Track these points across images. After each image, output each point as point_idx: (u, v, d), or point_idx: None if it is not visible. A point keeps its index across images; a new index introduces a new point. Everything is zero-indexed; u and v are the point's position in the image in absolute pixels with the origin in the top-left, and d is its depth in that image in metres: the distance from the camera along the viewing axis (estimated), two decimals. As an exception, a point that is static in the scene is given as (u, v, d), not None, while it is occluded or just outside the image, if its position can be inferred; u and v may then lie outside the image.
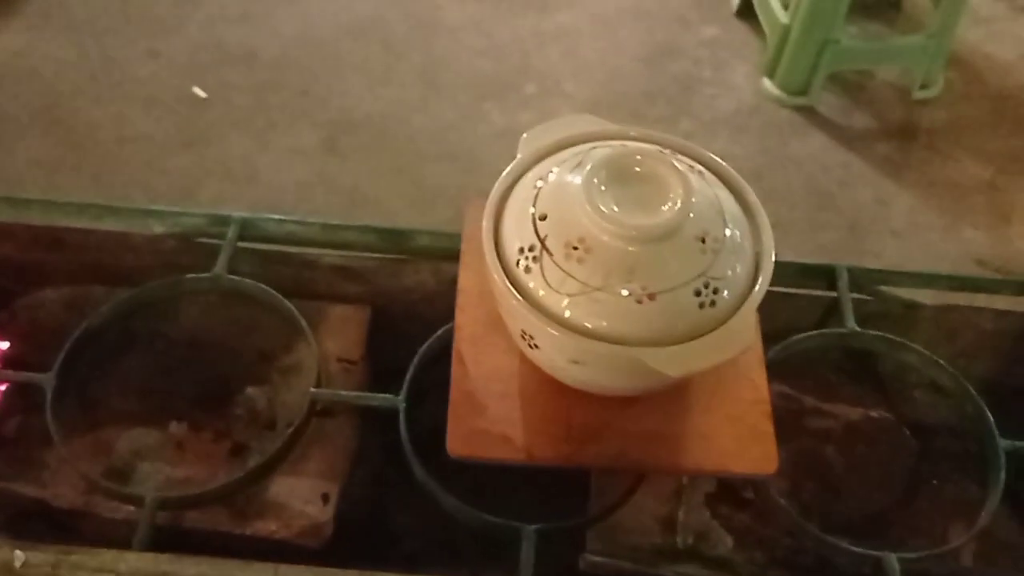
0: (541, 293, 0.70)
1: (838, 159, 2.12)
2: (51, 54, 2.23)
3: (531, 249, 0.70)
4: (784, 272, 0.97)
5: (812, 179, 2.07)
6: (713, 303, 0.69)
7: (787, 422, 0.96)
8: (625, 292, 0.68)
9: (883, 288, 1.00)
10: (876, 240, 1.96)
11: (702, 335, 0.69)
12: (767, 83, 2.25)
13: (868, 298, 1.00)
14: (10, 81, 2.16)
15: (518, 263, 0.71)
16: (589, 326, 0.69)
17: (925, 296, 1.02)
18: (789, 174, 2.08)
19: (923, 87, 2.23)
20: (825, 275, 0.99)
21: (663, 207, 0.69)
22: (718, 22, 2.43)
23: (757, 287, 0.72)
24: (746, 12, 2.39)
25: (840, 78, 2.27)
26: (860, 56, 2.27)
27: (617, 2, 2.47)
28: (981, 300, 1.03)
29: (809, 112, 2.22)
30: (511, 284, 0.71)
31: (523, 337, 0.74)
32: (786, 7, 2.17)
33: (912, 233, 1.98)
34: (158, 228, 1.00)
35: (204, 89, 2.19)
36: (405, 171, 2.05)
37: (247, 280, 0.96)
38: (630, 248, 0.68)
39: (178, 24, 2.33)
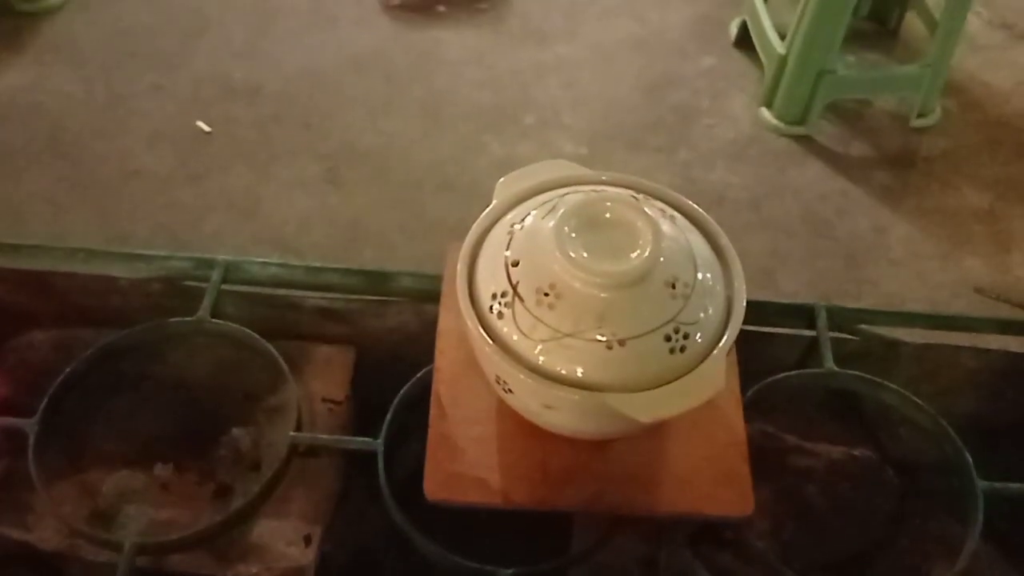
0: (514, 338, 0.71)
1: (836, 188, 2.12)
2: (57, 89, 2.27)
3: (504, 295, 0.71)
4: (763, 311, 0.98)
5: (810, 208, 2.07)
6: (683, 348, 0.70)
7: (769, 461, 0.96)
8: (595, 338, 0.69)
9: (864, 327, 1.00)
10: (874, 269, 1.96)
11: (673, 380, 0.70)
12: (765, 112, 2.26)
13: (851, 337, 1.00)
14: (17, 116, 2.20)
15: (491, 308, 0.72)
16: (561, 372, 0.70)
17: (908, 334, 1.02)
18: (787, 203, 2.08)
19: (921, 115, 2.24)
20: (804, 314, 0.99)
21: (632, 254, 0.70)
22: (716, 53, 2.44)
23: (727, 333, 0.72)
24: (744, 42, 2.40)
25: (838, 107, 2.27)
26: (857, 85, 2.28)
27: (616, 34, 2.49)
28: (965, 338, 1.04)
29: (807, 141, 2.22)
30: (485, 330, 0.72)
31: (498, 382, 0.75)
32: (783, 37, 2.19)
33: (910, 262, 1.98)
34: (143, 272, 1.02)
35: (208, 123, 2.21)
36: (405, 203, 2.06)
37: (230, 323, 0.97)
38: (600, 294, 0.69)
39: (183, 59, 2.36)
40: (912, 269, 1.97)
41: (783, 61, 2.17)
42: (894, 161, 2.20)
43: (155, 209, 2.02)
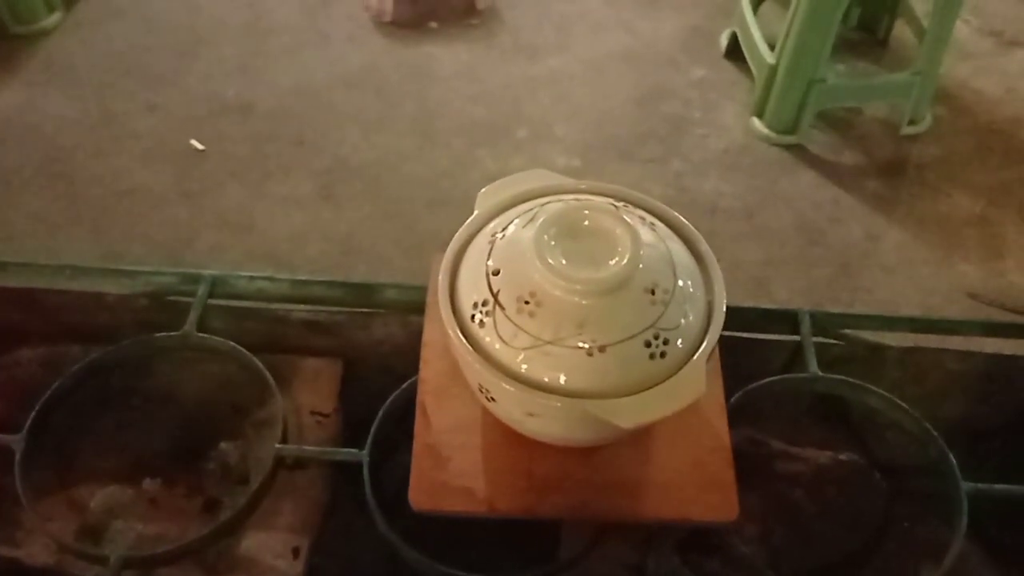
0: (496, 347, 0.71)
1: (828, 196, 2.13)
2: (52, 110, 2.28)
3: (485, 304, 0.72)
4: (747, 317, 0.99)
5: (802, 216, 2.08)
6: (664, 354, 0.70)
7: (755, 466, 0.97)
8: (576, 345, 0.69)
9: (848, 331, 1.00)
10: (868, 276, 1.97)
11: (653, 386, 0.70)
12: (756, 122, 2.27)
13: (835, 341, 1.01)
14: (11, 137, 2.21)
15: (473, 317, 0.72)
16: (543, 379, 0.70)
17: (894, 338, 1.02)
18: (779, 212, 2.09)
19: (911, 123, 2.25)
20: (788, 319, 1.00)
21: (611, 261, 0.70)
22: (707, 63, 2.46)
23: (707, 338, 0.72)
24: (734, 53, 2.42)
25: (828, 115, 2.28)
26: (847, 94, 2.29)
27: (607, 47, 2.51)
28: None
29: (798, 150, 2.23)
30: (467, 339, 0.72)
31: (481, 391, 0.75)
32: (773, 47, 2.20)
33: (904, 268, 1.98)
34: (130, 288, 1.02)
35: (201, 141, 2.23)
36: (399, 218, 2.07)
37: (215, 337, 0.97)
38: (580, 301, 0.69)
39: (176, 78, 2.38)
40: (905, 276, 1.97)
41: (773, 71, 2.18)
42: (886, 169, 2.20)
43: (150, 227, 2.03)
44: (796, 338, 0.99)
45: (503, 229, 0.76)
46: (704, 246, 0.78)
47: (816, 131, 2.26)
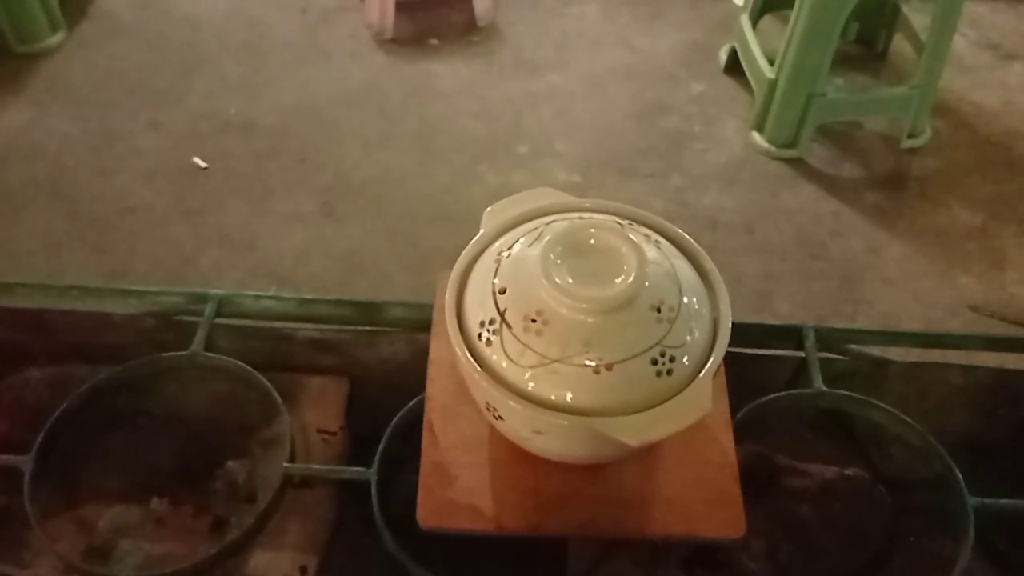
0: (503, 365, 0.71)
1: (829, 209, 2.13)
2: (55, 129, 2.29)
3: (491, 322, 0.72)
4: (752, 333, 0.99)
5: (803, 230, 2.09)
6: (670, 371, 0.70)
7: (761, 482, 0.97)
8: (583, 363, 0.69)
9: (852, 346, 1.00)
10: (869, 289, 1.97)
11: (660, 403, 0.70)
12: (756, 136, 2.28)
13: (839, 357, 1.01)
14: (15, 156, 2.22)
15: (480, 336, 0.73)
16: (550, 397, 0.70)
17: (898, 353, 1.03)
18: (780, 225, 2.10)
19: (911, 136, 2.26)
20: (793, 335, 1.00)
21: (617, 279, 0.71)
22: (706, 79, 2.47)
23: (713, 355, 0.73)
24: (734, 68, 2.43)
25: (828, 129, 2.29)
26: (846, 108, 2.30)
27: (607, 62, 2.52)
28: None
29: (799, 164, 2.24)
30: (474, 357, 0.73)
31: (488, 409, 0.75)
32: (772, 62, 2.21)
33: (905, 281, 1.99)
34: (137, 307, 1.03)
35: (204, 159, 2.23)
36: (401, 234, 2.08)
37: (222, 357, 0.98)
38: (586, 320, 0.69)
39: (179, 96, 2.39)
40: (907, 288, 1.97)
41: (773, 85, 2.19)
42: (886, 182, 2.21)
43: (152, 245, 2.03)
44: (801, 354, 0.99)
45: (509, 248, 0.76)
46: (709, 263, 0.79)
47: (816, 145, 2.27)
